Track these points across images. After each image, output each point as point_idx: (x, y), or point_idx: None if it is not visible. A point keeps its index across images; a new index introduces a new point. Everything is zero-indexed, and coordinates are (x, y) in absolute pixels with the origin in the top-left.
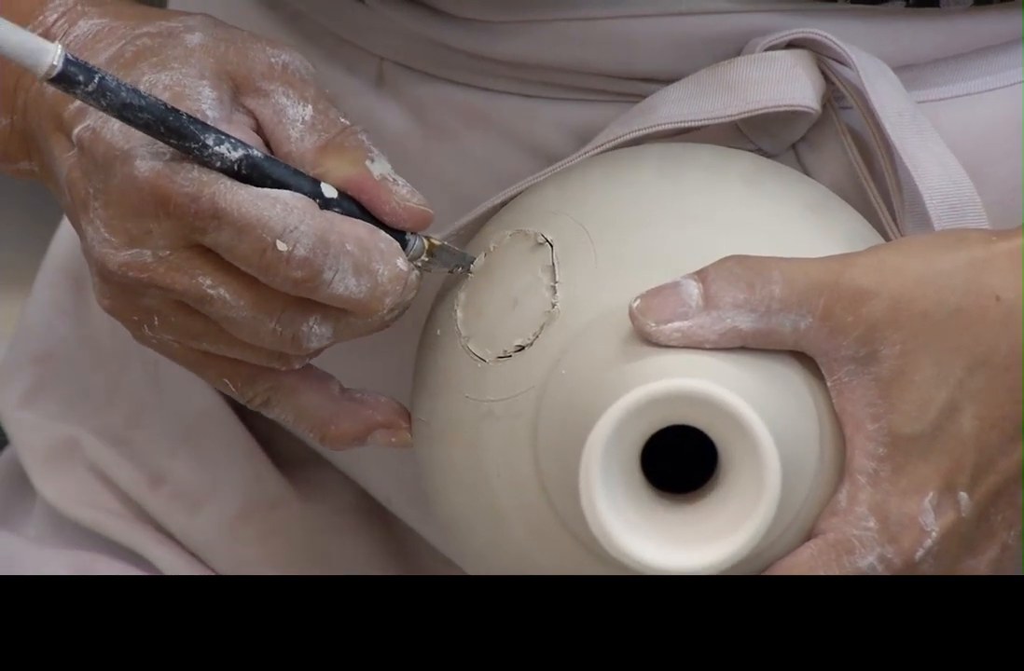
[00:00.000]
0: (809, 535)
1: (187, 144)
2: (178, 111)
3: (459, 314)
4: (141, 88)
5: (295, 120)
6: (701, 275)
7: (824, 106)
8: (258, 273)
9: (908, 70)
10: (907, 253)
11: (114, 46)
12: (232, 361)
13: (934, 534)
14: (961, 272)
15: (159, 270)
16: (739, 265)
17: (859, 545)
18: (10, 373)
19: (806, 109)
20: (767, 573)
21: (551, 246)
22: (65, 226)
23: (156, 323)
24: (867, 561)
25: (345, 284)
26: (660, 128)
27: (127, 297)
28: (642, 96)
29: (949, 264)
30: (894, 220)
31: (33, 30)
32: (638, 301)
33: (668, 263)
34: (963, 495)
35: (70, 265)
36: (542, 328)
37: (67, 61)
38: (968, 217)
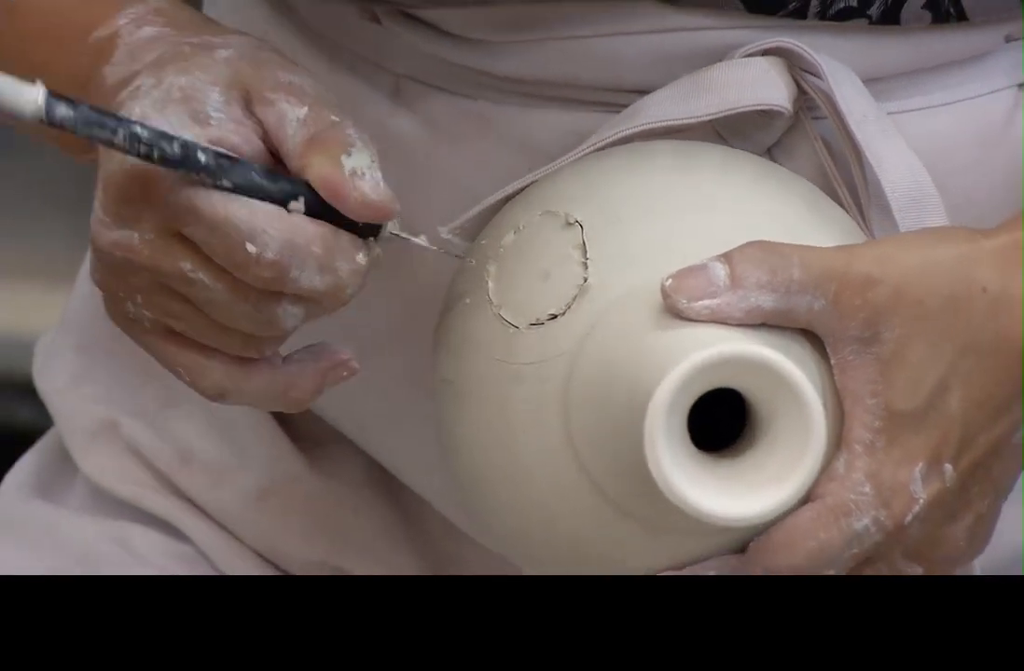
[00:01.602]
0: (808, 499)
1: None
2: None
3: (491, 284)
4: (159, 89)
5: (292, 120)
6: (727, 258)
7: (796, 113)
8: (230, 269)
9: (874, 83)
10: (906, 247)
11: (159, 50)
12: (196, 350)
13: (922, 501)
14: (952, 265)
15: (144, 252)
16: (762, 250)
17: (855, 509)
18: (55, 361)
19: (779, 108)
20: (770, 534)
21: (580, 226)
22: None
23: (139, 301)
24: (862, 523)
25: (310, 280)
26: (645, 127)
27: (116, 274)
28: (624, 106)
29: (942, 257)
30: (861, 215)
31: (104, 31)
32: (670, 280)
33: (691, 246)
34: (948, 467)
35: None
36: (574, 299)
37: (49, 99)
38: (927, 209)
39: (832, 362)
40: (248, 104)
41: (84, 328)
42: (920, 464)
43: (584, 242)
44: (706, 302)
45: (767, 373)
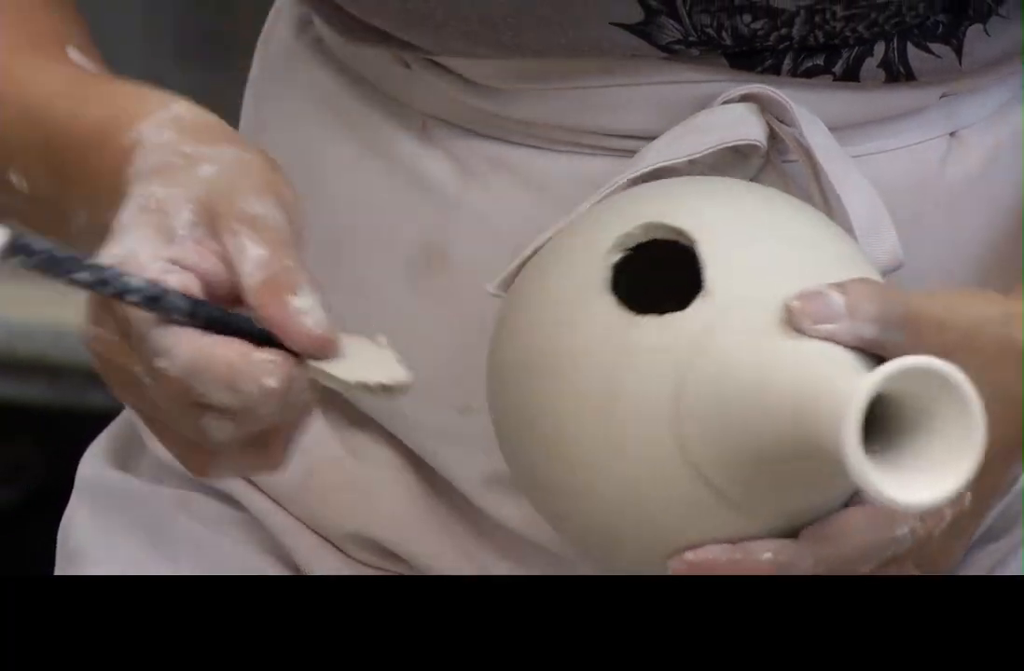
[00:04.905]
0: (851, 502)
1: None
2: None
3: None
4: (143, 196)
5: (250, 258)
6: (844, 289)
7: (767, 155)
8: (150, 378)
9: (834, 131)
10: (963, 301)
11: (161, 158)
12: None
13: (948, 519)
14: (999, 322)
15: (112, 349)
16: (871, 287)
17: (901, 517)
18: None
19: (756, 143)
20: (826, 523)
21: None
22: None
23: (115, 384)
24: (903, 530)
25: (219, 397)
26: (648, 168)
27: (99, 361)
28: (626, 150)
29: (991, 314)
30: None
31: (130, 135)
32: (797, 302)
33: (793, 270)
34: (968, 494)
35: None
36: (693, 299)
37: (12, 246)
38: (882, 231)
39: None
40: (215, 227)
41: None
42: None
43: (700, 257)
44: (827, 326)
45: (937, 381)
